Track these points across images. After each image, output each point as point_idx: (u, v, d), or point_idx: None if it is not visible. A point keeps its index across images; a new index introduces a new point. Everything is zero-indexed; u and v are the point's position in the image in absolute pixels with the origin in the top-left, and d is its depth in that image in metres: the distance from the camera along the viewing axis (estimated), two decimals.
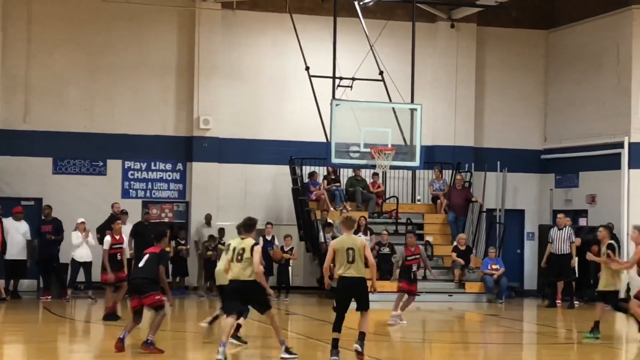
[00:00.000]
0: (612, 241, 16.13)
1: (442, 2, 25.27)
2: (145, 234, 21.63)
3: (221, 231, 22.47)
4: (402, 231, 23.06)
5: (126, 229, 21.59)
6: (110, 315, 16.85)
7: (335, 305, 12.74)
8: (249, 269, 12.72)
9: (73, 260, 20.81)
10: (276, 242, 22.52)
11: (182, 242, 22.82)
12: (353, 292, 12.66)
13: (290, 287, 22.45)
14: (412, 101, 22.20)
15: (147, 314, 13.75)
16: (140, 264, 13.57)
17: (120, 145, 23.73)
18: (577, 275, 21.83)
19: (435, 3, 25.18)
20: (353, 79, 22.54)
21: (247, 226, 13.12)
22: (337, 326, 12.62)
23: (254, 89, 24.56)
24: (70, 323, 17.67)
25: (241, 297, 12.88)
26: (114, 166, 23.74)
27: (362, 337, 12.61)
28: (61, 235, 21.46)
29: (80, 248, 20.65)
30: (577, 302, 21.71)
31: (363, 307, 12.64)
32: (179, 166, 24.21)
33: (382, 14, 24.57)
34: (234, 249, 12.89)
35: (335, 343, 12.55)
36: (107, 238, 17.48)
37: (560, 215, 22.16)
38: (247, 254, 12.73)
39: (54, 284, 21.29)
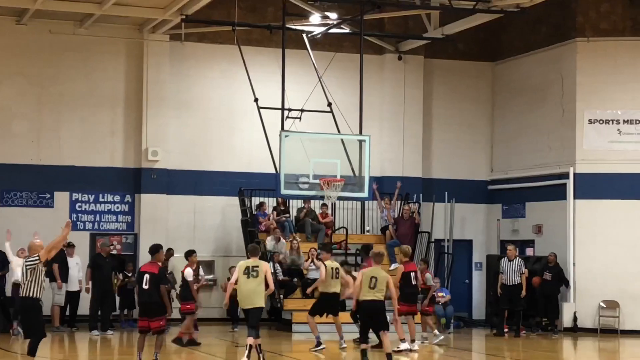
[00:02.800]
0: None
1: (390, 34, 25.53)
2: (103, 266, 21.61)
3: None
4: (351, 261, 23.11)
5: (72, 262, 21.41)
6: (191, 342, 18.46)
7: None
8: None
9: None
10: (201, 272, 22.23)
11: (129, 274, 22.59)
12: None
13: (239, 318, 22.29)
14: (360, 132, 22.32)
15: None
16: (145, 286, 14.58)
17: (68, 177, 23.52)
18: (525, 306, 22.09)
19: (382, 35, 25.44)
20: (302, 110, 22.63)
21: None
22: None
23: (202, 120, 24.55)
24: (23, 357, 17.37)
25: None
26: (61, 198, 23.51)
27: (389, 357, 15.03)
28: (6, 269, 21.16)
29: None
30: (524, 332, 21.94)
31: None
32: (127, 198, 24.05)
33: (330, 45, 24.78)
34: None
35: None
36: (189, 270, 18.57)
37: (510, 247, 22.48)
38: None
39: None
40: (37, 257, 13.32)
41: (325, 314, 18.71)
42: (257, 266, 15.62)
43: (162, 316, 14.63)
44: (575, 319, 23.14)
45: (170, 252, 21.51)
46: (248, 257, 15.97)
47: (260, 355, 15.74)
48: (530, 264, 23.31)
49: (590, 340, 21.99)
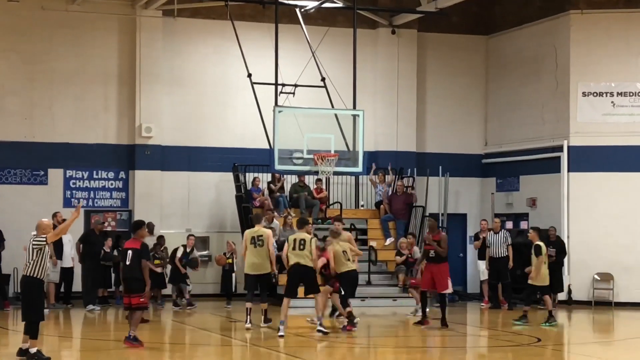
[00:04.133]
0: (540, 242, 18.60)
1: (383, 9, 25.46)
2: (95, 243, 21.66)
3: (160, 239, 22.19)
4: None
5: (65, 239, 21.41)
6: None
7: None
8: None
9: None
10: (195, 254, 22.30)
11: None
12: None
13: (233, 294, 22.35)
14: (354, 107, 22.32)
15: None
16: (127, 262, 14.55)
17: (62, 154, 23.50)
18: (509, 279, 22.24)
19: (376, 10, 25.36)
20: (295, 85, 22.61)
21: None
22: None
23: (196, 96, 24.50)
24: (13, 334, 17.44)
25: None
26: (55, 175, 23.49)
27: None
28: (2, 246, 21.19)
29: None
30: (518, 305, 22.03)
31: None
32: (122, 174, 24.04)
33: (324, 20, 24.70)
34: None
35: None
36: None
37: (496, 220, 22.66)
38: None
39: None
40: (44, 238, 13.24)
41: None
42: (261, 235, 17.10)
43: (141, 292, 14.55)
44: (569, 291, 23.23)
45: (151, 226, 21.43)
46: (252, 226, 17.05)
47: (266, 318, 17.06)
48: (523, 237, 23.37)
49: (584, 313, 22.08)
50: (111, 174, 23.99)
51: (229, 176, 23.96)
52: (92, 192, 23.83)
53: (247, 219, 23.11)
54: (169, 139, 24.17)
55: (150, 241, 22.73)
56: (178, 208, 24.12)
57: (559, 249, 22.44)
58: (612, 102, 23.34)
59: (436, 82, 26.34)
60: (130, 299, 14.57)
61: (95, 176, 23.85)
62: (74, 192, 23.65)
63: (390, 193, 24.37)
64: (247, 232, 17.49)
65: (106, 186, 23.98)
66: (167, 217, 23.74)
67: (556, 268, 22.45)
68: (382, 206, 24.37)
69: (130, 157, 23.92)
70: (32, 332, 13.26)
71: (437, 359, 15.32)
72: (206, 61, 24.55)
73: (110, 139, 23.95)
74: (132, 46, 23.87)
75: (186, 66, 24.42)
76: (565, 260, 23.06)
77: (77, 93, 23.69)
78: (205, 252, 23.75)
